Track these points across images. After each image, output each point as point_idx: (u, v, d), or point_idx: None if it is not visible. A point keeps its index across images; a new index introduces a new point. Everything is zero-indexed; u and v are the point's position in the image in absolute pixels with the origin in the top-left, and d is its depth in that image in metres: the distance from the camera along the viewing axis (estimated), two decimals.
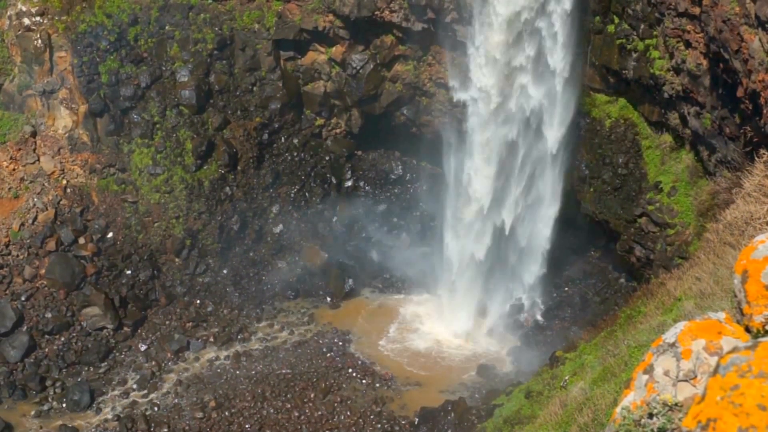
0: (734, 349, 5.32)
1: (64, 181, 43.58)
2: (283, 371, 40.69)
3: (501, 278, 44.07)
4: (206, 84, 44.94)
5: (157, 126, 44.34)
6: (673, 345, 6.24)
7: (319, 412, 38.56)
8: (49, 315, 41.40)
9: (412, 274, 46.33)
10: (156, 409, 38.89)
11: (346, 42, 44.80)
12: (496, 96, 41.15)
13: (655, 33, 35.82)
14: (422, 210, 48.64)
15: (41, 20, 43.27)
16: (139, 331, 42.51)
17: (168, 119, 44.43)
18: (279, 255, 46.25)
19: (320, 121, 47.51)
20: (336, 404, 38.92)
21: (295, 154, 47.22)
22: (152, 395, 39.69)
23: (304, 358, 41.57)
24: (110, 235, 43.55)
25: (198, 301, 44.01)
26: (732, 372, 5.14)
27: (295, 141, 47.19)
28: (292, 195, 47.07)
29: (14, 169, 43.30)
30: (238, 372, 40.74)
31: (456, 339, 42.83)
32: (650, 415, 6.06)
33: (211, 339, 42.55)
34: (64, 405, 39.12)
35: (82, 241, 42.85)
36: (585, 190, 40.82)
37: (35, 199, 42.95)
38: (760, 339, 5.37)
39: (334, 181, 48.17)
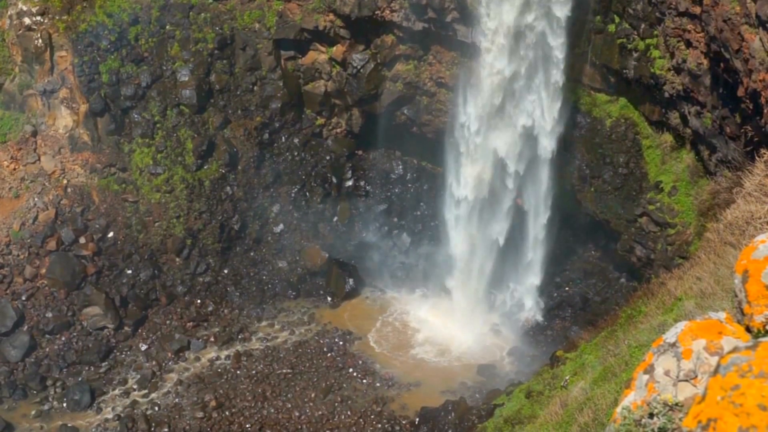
0: (735, 349, 5.32)
1: (65, 181, 43.58)
2: (284, 371, 40.69)
3: (502, 278, 44.06)
4: (207, 83, 44.94)
5: (158, 125, 44.34)
6: (673, 345, 6.23)
7: (320, 412, 38.56)
8: (49, 314, 41.40)
9: (412, 274, 46.31)
10: (156, 408, 38.89)
11: (346, 41, 44.77)
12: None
13: (655, 32, 35.79)
14: (423, 210, 48.60)
15: (42, 20, 43.26)
16: (139, 330, 42.50)
17: (168, 119, 44.43)
18: (280, 255, 46.22)
19: (321, 121, 47.48)
20: (336, 404, 38.92)
21: (296, 153, 47.19)
22: (153, 395, 39.69)
23: (305, 357, 41.56)
24: (111, 234, 43.55)
25: (198, 301, 44.00)
26: (732, 372, 5.14)
27: (296, 140, 47.17)
28: (293, 194, 47.04)
29: (15, 169, 43.31)
30: (238, 372, 40.74)
31: (456, 339, 42.78)
32: (651, 415, 6.05)
33: (212, 339, 42.54)
34: (64, 405, 39.12)
35: (82, 240, 42.84)
36: (585, 189, 40.80)
37: (36, 199, 42.95)
38: (761, 339, 5.36)
39: (334, 180, 48.12)
